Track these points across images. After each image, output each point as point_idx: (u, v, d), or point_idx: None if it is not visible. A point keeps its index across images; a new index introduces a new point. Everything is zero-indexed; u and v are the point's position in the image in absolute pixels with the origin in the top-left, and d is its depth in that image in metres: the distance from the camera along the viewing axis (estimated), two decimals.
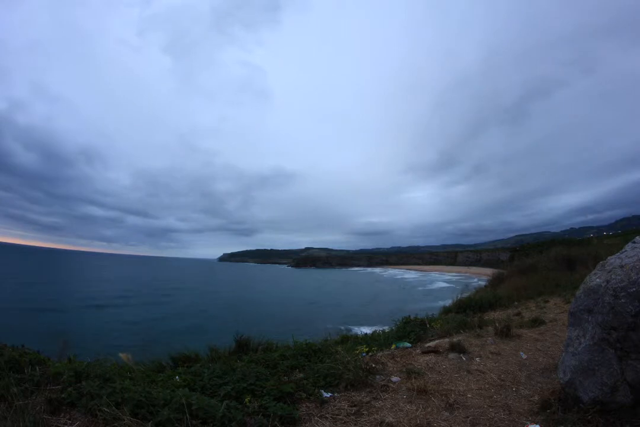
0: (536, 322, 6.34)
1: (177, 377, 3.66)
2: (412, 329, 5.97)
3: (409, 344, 5.25)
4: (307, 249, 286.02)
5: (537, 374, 3.91)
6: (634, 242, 2.89)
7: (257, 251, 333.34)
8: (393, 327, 6.78)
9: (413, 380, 3.65)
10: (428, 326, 6.23)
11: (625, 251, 2.84)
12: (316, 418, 2.95)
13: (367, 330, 9.05)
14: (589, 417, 2.56)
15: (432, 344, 5.17)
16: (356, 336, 7.17)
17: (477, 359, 4.46)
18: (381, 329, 7.71)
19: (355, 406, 3.17)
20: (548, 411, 2.87)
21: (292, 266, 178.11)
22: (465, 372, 3.99)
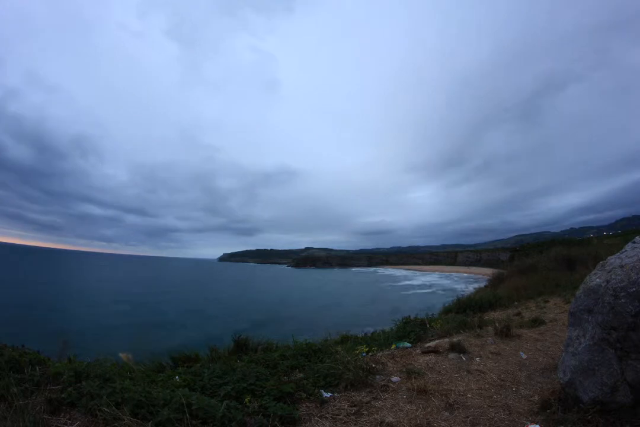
0: (536, 322, 6.34)
1: (177, 377, 3.66)
2: (412, 329, 5.97)
3: (409, 344, 5.25)
4: (307, 249, 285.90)
5: (537, 374, 3.91)
6: (634, 242, 2.89)
7: (257, 251, 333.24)
8: (393, 327, 6.78)
9: (413, 380, 3.65)
10: (428, 326, 6.23)
11: (625, 251, 2.84)
12: (316, 418, 2.95)
13: (367, 330, 9.05)
14: (589, 417, 2.56)
15: (432, 344, 5.17)
16: (356, 336, 7.17)
17: (477, 359, 4.46)
18: (381, 329, 7.72)
19: (355, 406, 3.17)
20: (548, 411, 2.87)
21: (292, 266, 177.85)
22: (465, 372, 3.99)
